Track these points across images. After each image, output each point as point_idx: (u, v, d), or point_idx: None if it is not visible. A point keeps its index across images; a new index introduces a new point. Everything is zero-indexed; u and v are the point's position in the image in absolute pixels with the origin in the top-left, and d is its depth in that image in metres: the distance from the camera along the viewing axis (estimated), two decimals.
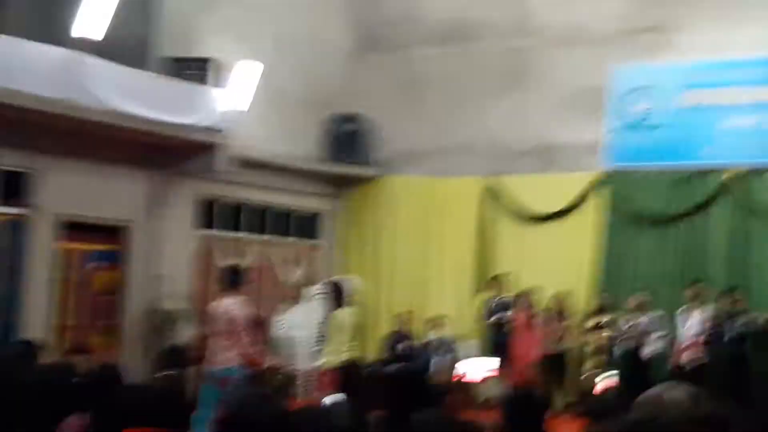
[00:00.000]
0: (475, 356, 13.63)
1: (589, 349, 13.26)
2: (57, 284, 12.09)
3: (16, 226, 11.66)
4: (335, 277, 13.50)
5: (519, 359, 13.56)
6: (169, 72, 12.69)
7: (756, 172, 13.39)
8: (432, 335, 14.04)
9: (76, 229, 12.24)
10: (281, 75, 14.62)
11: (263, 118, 14.22)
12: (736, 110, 13.55)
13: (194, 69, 12.82)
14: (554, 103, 14.70)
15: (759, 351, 12.12)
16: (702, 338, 12.34)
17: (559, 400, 12.41)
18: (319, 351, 11.65)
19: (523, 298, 13.81)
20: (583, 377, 12.73)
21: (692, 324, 12.46)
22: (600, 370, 11.96)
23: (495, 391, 13.75)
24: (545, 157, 14.79)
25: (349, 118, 15.64)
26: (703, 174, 13.72)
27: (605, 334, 13.19)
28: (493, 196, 15.02)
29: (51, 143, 11.60)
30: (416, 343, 14.04)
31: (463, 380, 11.42)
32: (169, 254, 13.18)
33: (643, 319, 12.91)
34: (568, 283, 14.12)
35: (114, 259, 12.89)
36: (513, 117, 14.93)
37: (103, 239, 12.78)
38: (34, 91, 10.49)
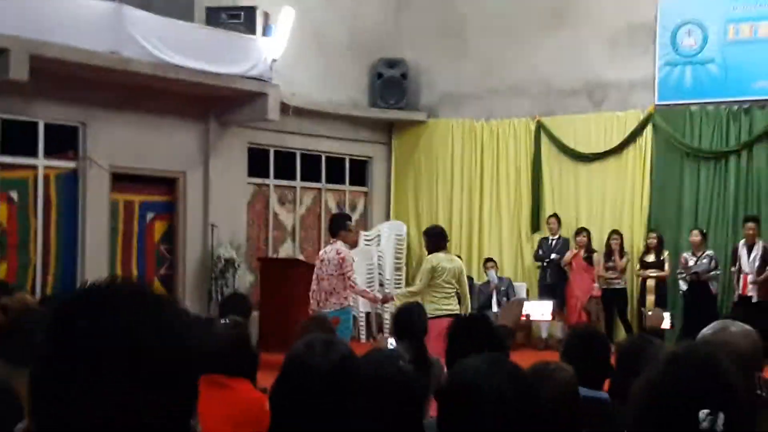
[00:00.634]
0: (532, 297, 13.68)
1: (648, 285, 13.24)
2: (116, 234, 12.31)
3: (71, 179, 11.85)
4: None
5: (576, 299, 13.59)
6: (214, 22, 12.70)
7: None
8: (492, 275, 14.14)
9: (130, 180, 12.42)
10: (326, 22, 14.58)
11: (310, 66, 14.22)
12: None
13: (239, 18, 12.81)
14: (603, 40, 14.46)
15: None
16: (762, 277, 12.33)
17: (620, 338, 12.40)
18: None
19: (579, 237, 13.80)
20: (644, 314, 12.71)
21: (755, 257, 12.43)
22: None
23: (555, 331, 13.84)
24: (595, 96, 14.62)
25: (396, 63, 15.54)
26: (758, 107, 13.50)
27: (666, 270, 13.17)
28: (544, 136, 14.91)
29: (102, 97, 11.73)
30: (476, 284, 14.16)
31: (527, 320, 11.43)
32: (224, 203, 13.30)
33: (708, 254, 12.89)
34: (622, 221, 14.12)
35: (169, 210, 13.06)
36: (561, 55, 14.72)
37: (157, 190, 12.95)
38: (83, 45, 10.58)
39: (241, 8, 12.92)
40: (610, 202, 14.36)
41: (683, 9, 14.01)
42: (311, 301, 9.44)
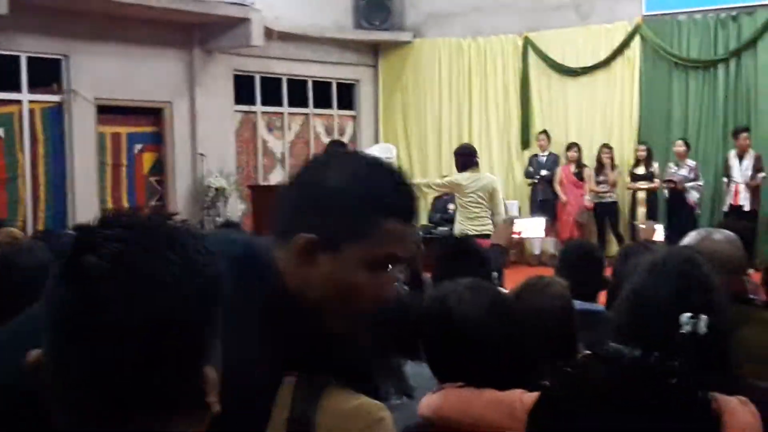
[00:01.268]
0: (524, 215, 13.69)
1: (639, 197, 13.29)
2: (105, 167, 12.25)
3: (56, 112, 11.75)
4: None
5: (568, 214, 13.64)
6: None
7: None
8: None
9: (116, 112, 12.32)
10: None
11: None
12: None
13: None
14: None
15: None
16: (755, 181, 12.42)
17: (613, 251, 12.47)
18: None
19: (570, 153, 13.79)
20: (636, 227, 12.76)
21: (747, 165, 12.46)
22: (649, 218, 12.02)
23: (548, 248, 13.91)
24: (582, 9, 14.46)
25: None
26: (746, 14, 13.36)
27: (656, 182, 13.20)
28: (531, 52, 14.78)
29: (84, 28, 11.57)
30: None
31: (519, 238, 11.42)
32: (211, 132, 13.22)
33: (688, 163, 12.91)
34: (612, 134, 14.10)
35: (157, 140, 12.98)
36: None
37: (144, 121, 12.85)
38: None
39: None
40: (600, 116, 14.31)
41: None
42: None
